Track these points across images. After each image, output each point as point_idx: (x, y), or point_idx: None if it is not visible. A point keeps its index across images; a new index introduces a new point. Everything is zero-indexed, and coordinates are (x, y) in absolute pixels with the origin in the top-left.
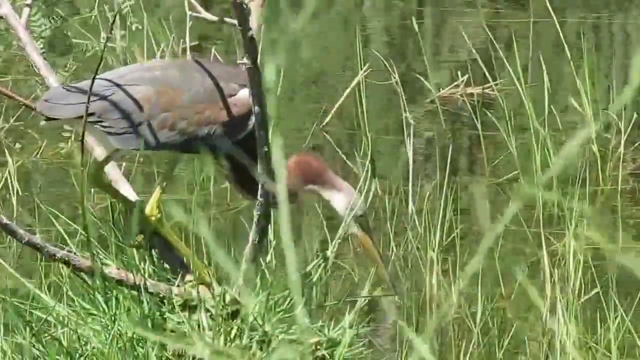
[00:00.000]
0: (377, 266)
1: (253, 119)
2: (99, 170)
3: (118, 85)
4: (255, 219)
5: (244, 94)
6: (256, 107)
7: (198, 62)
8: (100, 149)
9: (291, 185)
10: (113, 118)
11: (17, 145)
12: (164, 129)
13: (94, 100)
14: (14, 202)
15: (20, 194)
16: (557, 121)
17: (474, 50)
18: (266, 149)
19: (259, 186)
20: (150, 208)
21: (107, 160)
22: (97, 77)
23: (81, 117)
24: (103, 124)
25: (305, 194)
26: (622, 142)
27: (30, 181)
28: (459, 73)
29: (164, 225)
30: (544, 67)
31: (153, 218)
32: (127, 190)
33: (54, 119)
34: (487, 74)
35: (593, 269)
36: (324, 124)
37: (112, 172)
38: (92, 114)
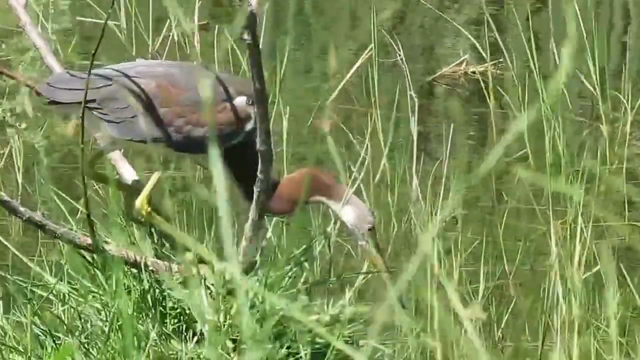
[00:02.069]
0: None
1: (249, 126)
2: (94, 161)
3: (122, 76)
4: (255, 196)
5: (242, 100)
6: (256, 84)
7: (202, 67)
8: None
9: (293, 197)
10: (112, 107)
11: (23, 125)
12: (161, 124)
13: (95, 88)
14: (19, 180)
15: (24, 172)
16: (566, 99)
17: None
18: (265, 124)
19: (259, 162)
20: (141, 202)
21: (101, 153)
22: (102, 68)
23: (81, 102)
24: (101, 111)
25: (311, 203)
26: (629, 121)
27: (34, 160)
28: (462, 52)
29: (154, 217)
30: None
31: (144, 212)
32: (127, 170)
33: (55, 102)
34: (484, 56)
35: (594, 247)
36: (329, 100)
37: (113, 152)
38: (92, 101)
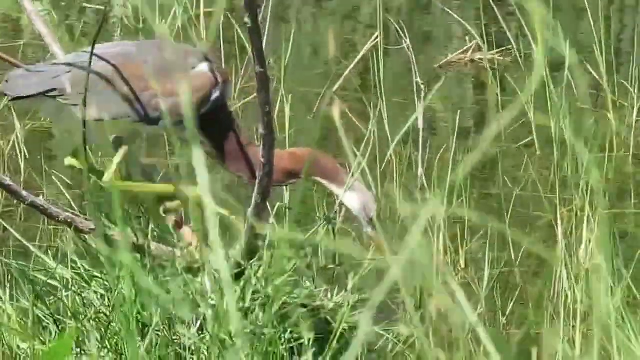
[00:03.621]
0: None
1: (216, 93)
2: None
3: (79, 62)
4: (257, 179)
5: (204, 67)
6: (257, 67)
7: (160, 41)
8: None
9: (289, 170)
10: (75, 92)
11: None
12: (127, 101)
13: (54, 77)
14: (22, 166)
15: (28, 157)
16: (572, 88)
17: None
18: (268, 109)
19: (261, 147)
20: (109, 177)
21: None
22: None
23: (41, 93)
24: (65, 97)
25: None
26: (635, 107)
27: (38, 146)
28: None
29: (123, 184)
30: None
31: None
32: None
33: (18, 97)
34: (492, 44)
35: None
36: (335, 87)
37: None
38: (52, 90)
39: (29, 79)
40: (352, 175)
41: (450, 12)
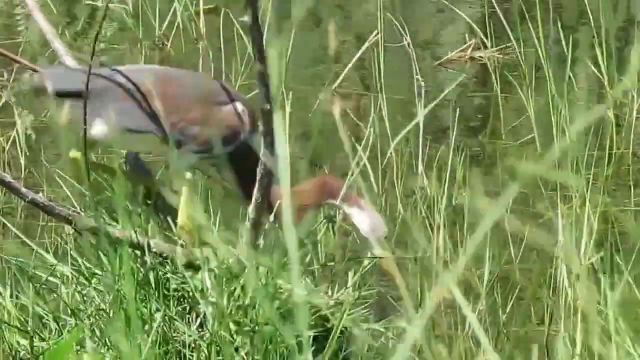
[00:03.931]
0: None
1: (243, 135)
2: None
3: (119, 72)
4: (258, 177)
5: (237, 106)
6: (258, 64)
7: (194, 72)
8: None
9: (304, 206)
10: (110, 98)
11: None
12: (156, 117)
13: (93, 80)
14: (22, 163)
15: (28, 154)
16: (572, 84)
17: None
18: (268, 107)
19: (262, 145)
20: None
21: (94, 143)
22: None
23: (74, 93)
24: (100, 102)
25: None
26: (636, 105)
27: (39, 142)
28: (465, 36)
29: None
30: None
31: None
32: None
33: (62, 93)
34: (487, 38)
35: (600, 232)
36: (335, 85)
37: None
38: (88, 92)
39: (72, 76)
40: (360, 192)
41: (454, 8)
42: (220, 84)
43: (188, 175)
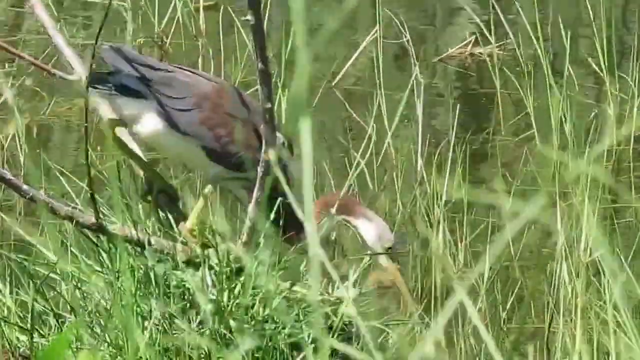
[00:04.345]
0: (403, 297)
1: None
2: (114, 128)
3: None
4: (258, 176)
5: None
6: (259, 64)
7: (243, 92)
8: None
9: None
10: (166, 93)
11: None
12: (203, 125)
13: (155, 69)
14: (22, 160)
15: (28, 151)
16: (573, 81)
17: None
18: (269, 105)
19: (263, 146)
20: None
21: (117, 121)
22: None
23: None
24: (155, 93)
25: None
26: (636, 101)
27: (39, 139)
28: (468, 32)
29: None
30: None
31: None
32: (134, 149)
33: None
34: (491, 38)
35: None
36: (335, 82)
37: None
38: (149, 80)
39: (128, 61)
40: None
41: (459, 1)
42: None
43: (208, 189)
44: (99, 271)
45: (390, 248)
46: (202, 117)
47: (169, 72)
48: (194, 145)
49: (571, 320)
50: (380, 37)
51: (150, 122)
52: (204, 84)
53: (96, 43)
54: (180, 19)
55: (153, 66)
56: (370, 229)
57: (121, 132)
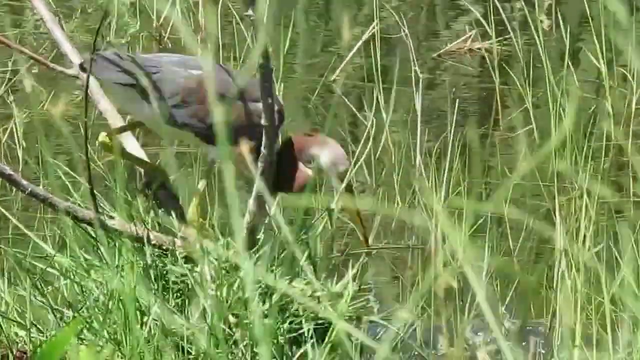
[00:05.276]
0: (357, 225)
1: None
2: (113, 138)
3: (167, 65)
4: (258, 171)
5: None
6: (260, 61)
7: (231, 68)
8: (108, 105)
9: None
10: (157, 94)
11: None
12: (194, 117)
13: (141, 71)
14: (20, 154)
15: (26, 146)
16: (572, 76)
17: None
18: (270, 101)
19: (263, 138)
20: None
21: (122, 129)
22: (140, 55)
23: (131, 84)
24: (144, 93)
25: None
26: (635, 96)
27: (37, 134)
28: (465, 28)
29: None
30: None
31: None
32: (133, 144)
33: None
34: (490, 33)
35: (602, 223)
36: (333, 78)
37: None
38: (136, 83)
39: (121, 65)
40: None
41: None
42: (251, 82)
43: (201, 184)
44: (98, 266)
45: (344, 172)
46: (190, 112)
47: (156, 69)
48: (190, 133)
49: (571, 315)
50: (378, 32)
51: (147, 116)
52: (189, 79)
53: (95, 40)
54: (179, 13)
55: (142, 66)
56: (325, 152)
57: (121, 137)
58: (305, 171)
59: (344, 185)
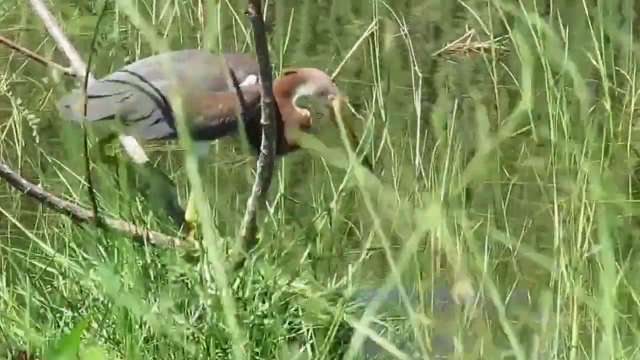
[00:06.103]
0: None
1: (259, 104)
2: (104, 144)
3: (136, 84)
4: (258, 171)
5: (251, 79)
6: (260, 57)
7: (201, 53)
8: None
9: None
10: (134, 118)
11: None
12: (175, 122)
13: (116, 103)
14: (19, 153)
15: (25, 145)
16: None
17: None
18: (269, 100)
19: (262, 136)
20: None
21: (112, 135)
22: (115, 73)
23: (106, 118)
24: (126, 122)
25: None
26: (633, 97)
27: (36, 133)
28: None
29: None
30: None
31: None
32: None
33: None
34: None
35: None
36: (333, 76)
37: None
38: (113, 116)
39: (92, 104)
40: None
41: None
42: (232, 60)
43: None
44: (97, 266)
45: (333, 99)
46: (170, 121)
47: (127, 94)
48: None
49: (568, 315)
50: (377, 31)
51: (138, 134)
52: (163, 86)
53: (94, 40)
54: (178, 10)
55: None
56: (309, 87)
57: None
58: (300, 112)
59: (339, 113)
